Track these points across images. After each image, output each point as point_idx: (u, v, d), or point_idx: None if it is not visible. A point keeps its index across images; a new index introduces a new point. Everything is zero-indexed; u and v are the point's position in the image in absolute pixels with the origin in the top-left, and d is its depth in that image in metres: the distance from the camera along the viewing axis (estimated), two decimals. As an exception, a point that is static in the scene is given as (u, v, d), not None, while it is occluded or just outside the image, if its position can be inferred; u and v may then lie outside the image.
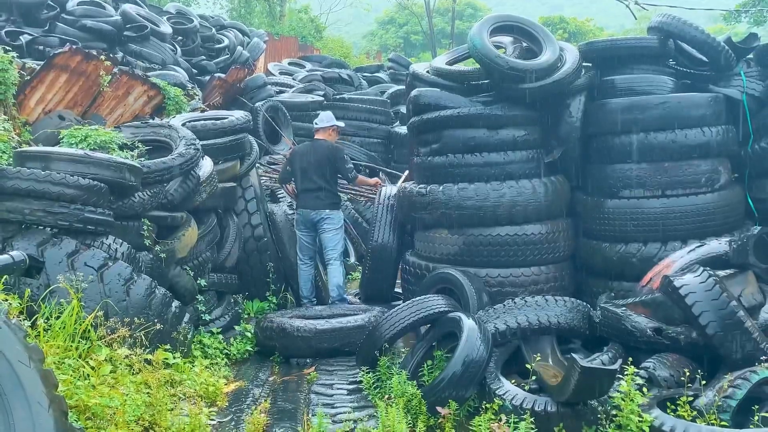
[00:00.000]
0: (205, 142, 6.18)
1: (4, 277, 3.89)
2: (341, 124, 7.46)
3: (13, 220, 4.38)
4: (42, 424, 2.59)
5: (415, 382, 4.44)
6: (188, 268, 5.61)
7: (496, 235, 5.81)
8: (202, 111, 8.22)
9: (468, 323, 4.38)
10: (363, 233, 8.88)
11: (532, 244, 5.80)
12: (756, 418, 3.46)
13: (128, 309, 4.33)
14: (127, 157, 5.27)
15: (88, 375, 3.81)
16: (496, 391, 4.14)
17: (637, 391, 3.68)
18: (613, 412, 3.67)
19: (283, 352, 5.69)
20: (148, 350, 4.24)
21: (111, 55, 7.77)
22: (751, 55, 6.28)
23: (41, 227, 4.45)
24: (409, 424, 4.09)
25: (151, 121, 6.43)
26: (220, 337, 5.68)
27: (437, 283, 5.76)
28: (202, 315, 5.69)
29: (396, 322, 4.79)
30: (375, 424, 4.17)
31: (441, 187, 5.97)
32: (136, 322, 4.22)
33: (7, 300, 3.78)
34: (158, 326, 4.30)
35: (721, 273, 4.38)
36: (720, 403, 3.58)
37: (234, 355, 5.70)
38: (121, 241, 4.72)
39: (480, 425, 3.87)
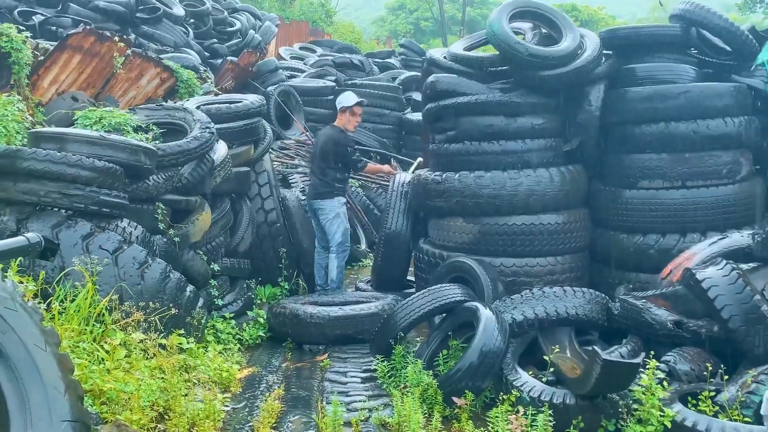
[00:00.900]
0: (219, 126, 6.11)
1: (19, 259, 3.86)
2: (350, 102, 6.96)
3: (27, 202, 4.33)
4: (58, 408, 2.55)
5: (430, 371, 4.40)
6: (201, 253, 5.57)
7: (512, 224, 5.73)
8: (216, 95, 8.16)
9: (485, 313, 4.33)
10: (375, 220, 8.83)
11: (549, 233, 5.73)
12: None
13: (143, 293, 4.29)
14: (142, 140, 5.21)
15: (103, 359, 3.77)
16: (514, 383, 4.09)
17: (659, 385, 3.62)
18: (634, 406, 3.62)
19: (295, 339, 5.66)
20: (162, 335, 4.20)
21: (125, 37, 7.71)
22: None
23: (56, 209, 4.40)
24: (425, 413, 4.05)
25: (165, 103, 6.36)
26: (233, 322, 5.64)
27: (451, 271, 5.70)
28: (215, 300, 5.66)
29: (412, 310, 4.74)
30: (390, 413, 4.13)
31: (457, 175, 5.89)
32: (151, 307, 4.18)
33: (22, 282, 3.74)
34: (173, 311, 4.26)
35: (744, 266, 4.30)
36: (743, 399, 3.52)
37: (246, 340, 5.67)
38: (135, 224, 4.67)
39: (497, 417, 3.82)
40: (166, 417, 3.72)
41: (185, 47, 10.78)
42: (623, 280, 5.72)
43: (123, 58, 7.38)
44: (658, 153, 5.67)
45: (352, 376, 4.90)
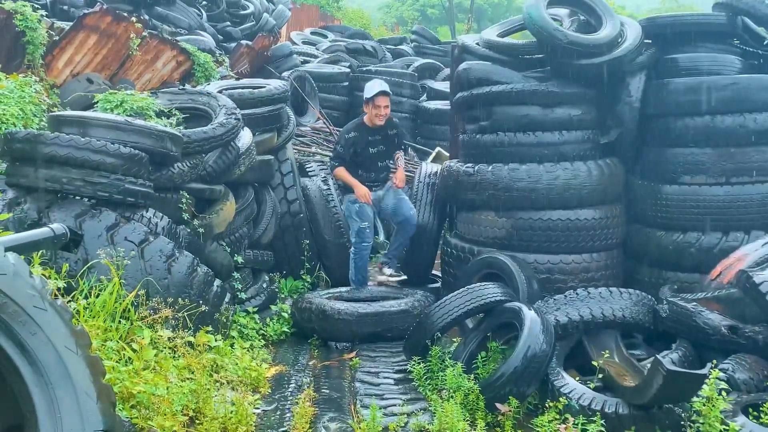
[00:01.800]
0: (242, 112, 5.86)
1: (41, 251, 3.63)
2: (369, 93, 6.43)
3: (50, 189, 4.08)
4: (90, 417, 2.33)
5: (471, 375, 4.19)
6: (224, 244, 5.35)
7: (548, 219, 5.52)
8: (237, 79, 7.90)
9: (529, 315, 4.11)
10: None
11: (585, 229, 5.52)
12: None
13: (169, 288, 4.06)
14: (166, 125, 4.97)
15: (130, 359, 3.56)
16: (561, 389, 3.88)
17: (719, 397, 3.41)
18: (694, 417, 3.41)
19: (322, 335, 5.44)
20: (189, 332, 3.98)
21: (141, 18, 7.46)
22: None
23: (79, 197, 4.16)
24: (467, 420, 3.84)
25: (189, 87, 6.11)
26: (256, 317, 5.42)
27: (483, 267, 5.49)
28: (238, 293, 5.43)
29: (450, 310, 4.51)
30: (429, 419, 3.91)
31: (490, 167, 5.66)
32: (179, 303, 3.96)
33: (49, 277, 3.52)
34: (203, 308, 4.03)
35: (804, 269, 4.08)
36: (812, 412, 3.31)
37: (270, 336, 5.45)
38: (161, 214, 4.44)
39: (544, 426, 3.62)
40: (197, 421, 3.51)
41: (199, 29, 10.51)
42: (658, 279, 5.52)
43: (139, 39, 7.13)
44: (701, 147, 5.44)
45: (384, 377, 4.68)
